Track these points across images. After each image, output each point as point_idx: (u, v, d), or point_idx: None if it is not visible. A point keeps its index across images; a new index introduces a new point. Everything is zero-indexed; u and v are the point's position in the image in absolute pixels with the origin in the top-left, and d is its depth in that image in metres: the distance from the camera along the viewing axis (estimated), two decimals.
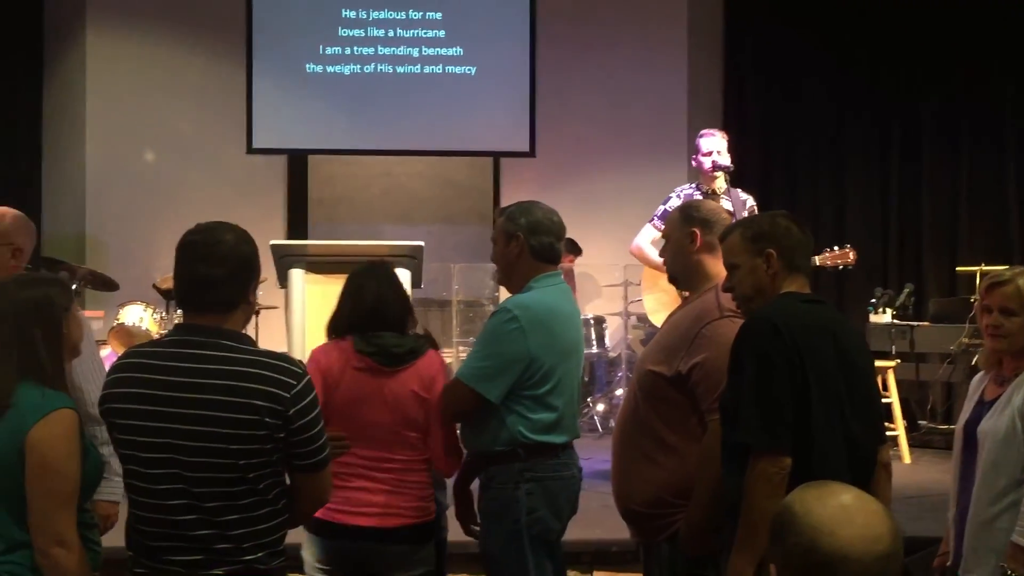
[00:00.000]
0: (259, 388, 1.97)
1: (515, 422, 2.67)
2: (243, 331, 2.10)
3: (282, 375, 2.00)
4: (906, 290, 6.45)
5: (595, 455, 5.89)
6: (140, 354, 2.10)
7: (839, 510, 1.45)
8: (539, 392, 2.67)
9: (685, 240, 2.70)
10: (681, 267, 2.76)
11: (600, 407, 7.01)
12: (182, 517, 1.98)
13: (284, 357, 2.06)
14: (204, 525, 1.98)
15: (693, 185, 4.90)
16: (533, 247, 2.76)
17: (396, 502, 2.66)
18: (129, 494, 2.06)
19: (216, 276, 2.02)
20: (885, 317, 6.31)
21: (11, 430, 2.03)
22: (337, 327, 2.73)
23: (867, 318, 6.38)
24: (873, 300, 6.45)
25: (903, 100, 7.64)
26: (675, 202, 4.76)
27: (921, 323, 6.56)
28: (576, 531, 3.97)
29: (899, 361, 6.20)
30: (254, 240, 2.11)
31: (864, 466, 2.29)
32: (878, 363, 5.48)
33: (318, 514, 2.38)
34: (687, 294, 2.84)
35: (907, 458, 5.92)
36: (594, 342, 7.03)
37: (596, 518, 4.18)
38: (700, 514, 2.48)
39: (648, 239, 4.88)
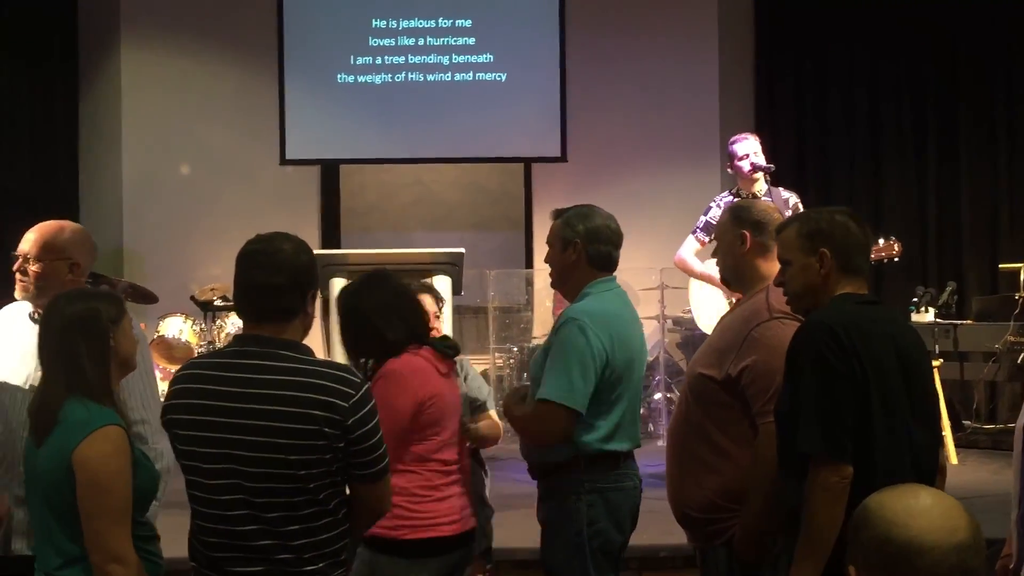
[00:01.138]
0: (318, 398, 1.97)
1: (578, 432, 2.62)
2: (302, 341, 2.10)
3: (341, 385, 2.00)
4: (948, 288, 6.36)
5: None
6: (200, 365, 2.11)
7: (913, 503, 1.44)
8: (603, 398, 2.64)
9: (736, 242, 2.67)
10: (732, 269, 2.74)
11: None
12: (243, 528, 1.98)
13: (343, 367, 2.06)
14: (265, 536, 1.97)
15: (731, 191, 4.85)
16: (591, 255, 2.70)
17: (469, 501, 2.68)
18: (192, 504, 2.06)
19: (274, 284, 2.02)
20: (928, 316, 6.23)
21: (58, 447, 2.03)
22: (414, 338, 2.61)
23: (909, 318, 6.30)
24: (915, 299, 6.37)
25: (940, 95, 7.55)
26: (715, 212, 4.75)
27: (964, 322, 6.47)
28: None
29: (942, 361, 6.12)
30: (312, 250, 2.11)
31: (927, 470, 2.25)
32: None
33: (425, 534, 2.45)
34: (734, 298, 2.81)
35: (954, 459, 5.84)
36: None
37: (643, 522, 4.11)
38: (754, 520, 2.45)
39: (691, 251, 4.86)
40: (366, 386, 2.04)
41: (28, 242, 2.66)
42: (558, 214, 2.78)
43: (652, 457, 5.70)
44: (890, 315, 2.36)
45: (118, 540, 2.00)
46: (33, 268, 2.64)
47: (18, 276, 2.66)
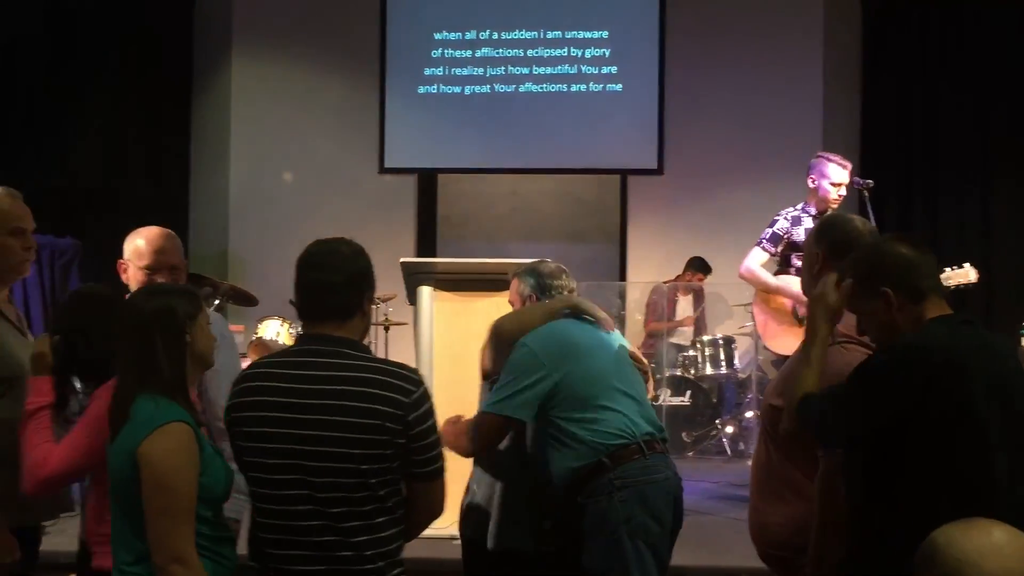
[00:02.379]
0: (380, 394, 2.01)
1: (585, 432, 2.65)
2: (361, 341, 2.13)
3: (402, 381, 2.04)
4: None
5: (723, 478, 5.74)
6: (264, 364, 2.15)
7: (986, 542, 1.37)
8: (587, 394, 2.68)
9: (812, 259, 2.59)
10: (807, 286, 2.66)
11: (729, 429, 6.84)
12: (307, 523, 2.01)
13: (402, 365, 2.09)
14: (328, 531, 2.00)
15: (799, 207, 4.73)
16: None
17: None
18: (254, 502, 2.09)
19: (331, 283, 2.07)
20: None
21: (125, 443, 2.02)
22: None
23: (1019, 342, 5.99)
24: None
25: None
26: (782, 224, 4.68)
27: None
28: (706, 557, 3.91)
29: None
30: (369, 255, 2.15)
31: (1017, 504, 2.11)
32: None
33: None
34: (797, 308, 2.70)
35: None
36: (723, 362, 6.88)
37: (726, 545, 4.07)
38: (819, 554, 2.35)
39: (759, 261, 4.73)
40: (424, 385, 2.06)
41: (165, 253, 2.78)
42: (514, 275, 3.09)
43: (742, 476, 5.59)
44: (984, 337, 2.19)
45: (180, 540, 1.96)
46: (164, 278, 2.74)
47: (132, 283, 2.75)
